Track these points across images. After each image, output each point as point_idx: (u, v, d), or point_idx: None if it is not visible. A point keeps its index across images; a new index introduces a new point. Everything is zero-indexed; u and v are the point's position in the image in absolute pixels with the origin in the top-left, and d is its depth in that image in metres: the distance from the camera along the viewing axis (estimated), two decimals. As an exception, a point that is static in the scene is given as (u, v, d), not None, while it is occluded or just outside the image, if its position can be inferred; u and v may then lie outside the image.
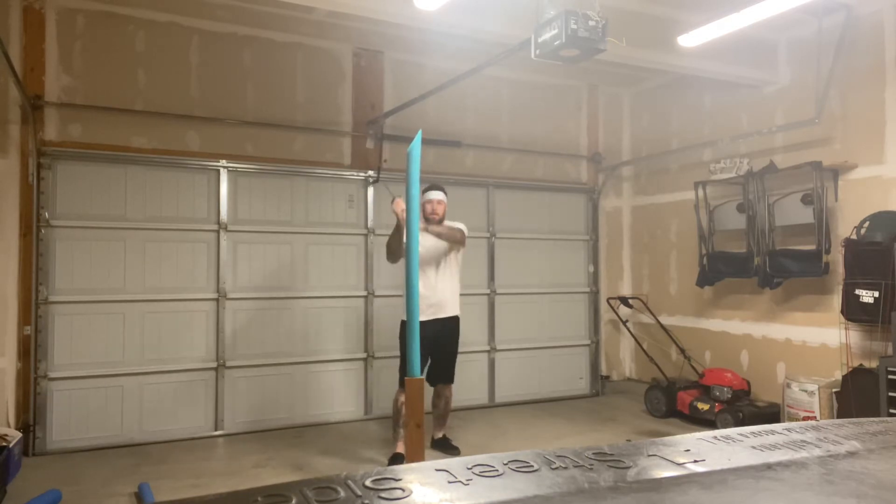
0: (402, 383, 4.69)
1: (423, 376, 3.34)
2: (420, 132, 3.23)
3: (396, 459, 4.79)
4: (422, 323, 4.66)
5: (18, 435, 4.80)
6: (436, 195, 5.02)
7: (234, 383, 5.87)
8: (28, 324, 5.17)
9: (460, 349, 5.21)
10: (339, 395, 6.27)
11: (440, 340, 4.92)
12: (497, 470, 1.00)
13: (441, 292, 4.93)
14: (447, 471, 0.99)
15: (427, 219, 4.95)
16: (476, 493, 0.92)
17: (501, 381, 7.05)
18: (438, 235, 4.90)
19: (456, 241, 4.98)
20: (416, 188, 3.11)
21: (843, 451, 1.16)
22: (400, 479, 0.95)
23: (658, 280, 7.58)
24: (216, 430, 5.75)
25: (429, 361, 4.88)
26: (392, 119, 6.38)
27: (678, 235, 7.28)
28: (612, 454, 1.10)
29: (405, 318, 3.75)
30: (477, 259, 6.85)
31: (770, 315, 6.26)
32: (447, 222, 5.05)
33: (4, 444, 4.43)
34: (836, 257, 5.48)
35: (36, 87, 5.23)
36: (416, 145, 3.09)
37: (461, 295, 5.16)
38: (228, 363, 5.84)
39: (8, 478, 4.34)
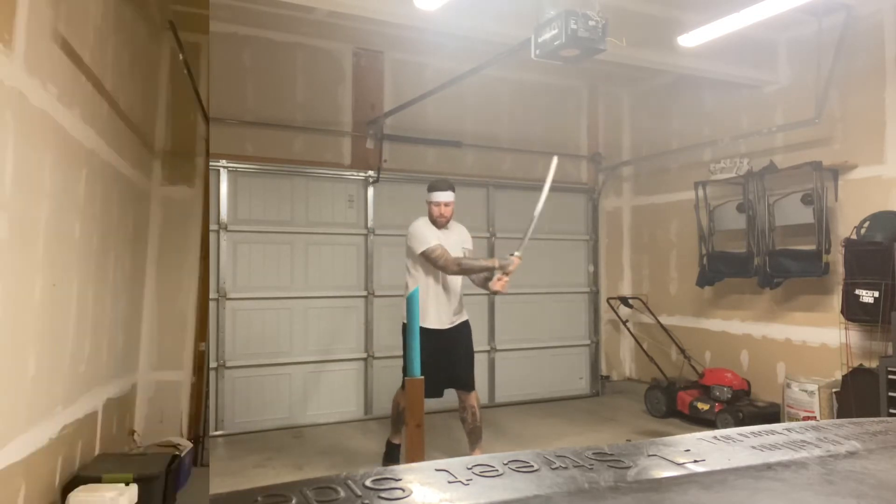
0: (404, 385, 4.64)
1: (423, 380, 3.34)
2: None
3: (391, 448, 4.74)
4: (445, 331, 4.57)
5: (189, 445, 4.94)
6: (444, 196, 4.49)
7: (234, 383, 5.87)
8: (203, 340, 5.41)
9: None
10: (339, 395, 6.27)
11: (463, 345, 4.65)
12: (497, 470, 1.00)
13: (459, 297, 4.65)
14: (447, 471, 0.99)
15: (434, 222, 4.52)
16: (476, 493, 0.92)
17: (501, 381, 7.05)
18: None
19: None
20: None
21: (843, 451, 1.16)
22: (400, 479, 0.95)
23: (658, 280, 7.57)
24: (217, 429, 5.75)
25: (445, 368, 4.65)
26: (392, 119, 6.38)
27: (678, 235, 7.28)
28: (612, 454, 1.10)
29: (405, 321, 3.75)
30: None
31: (770, 315, 6.26)
32: (453, 223, 4.69)
33: (177, 453, 4.50)
34: (836, 257, 5.48)
35: None
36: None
37: (462, 295, 5.07)
38: (228, 363, 5.84)
39: (178, 485, 4.37)
